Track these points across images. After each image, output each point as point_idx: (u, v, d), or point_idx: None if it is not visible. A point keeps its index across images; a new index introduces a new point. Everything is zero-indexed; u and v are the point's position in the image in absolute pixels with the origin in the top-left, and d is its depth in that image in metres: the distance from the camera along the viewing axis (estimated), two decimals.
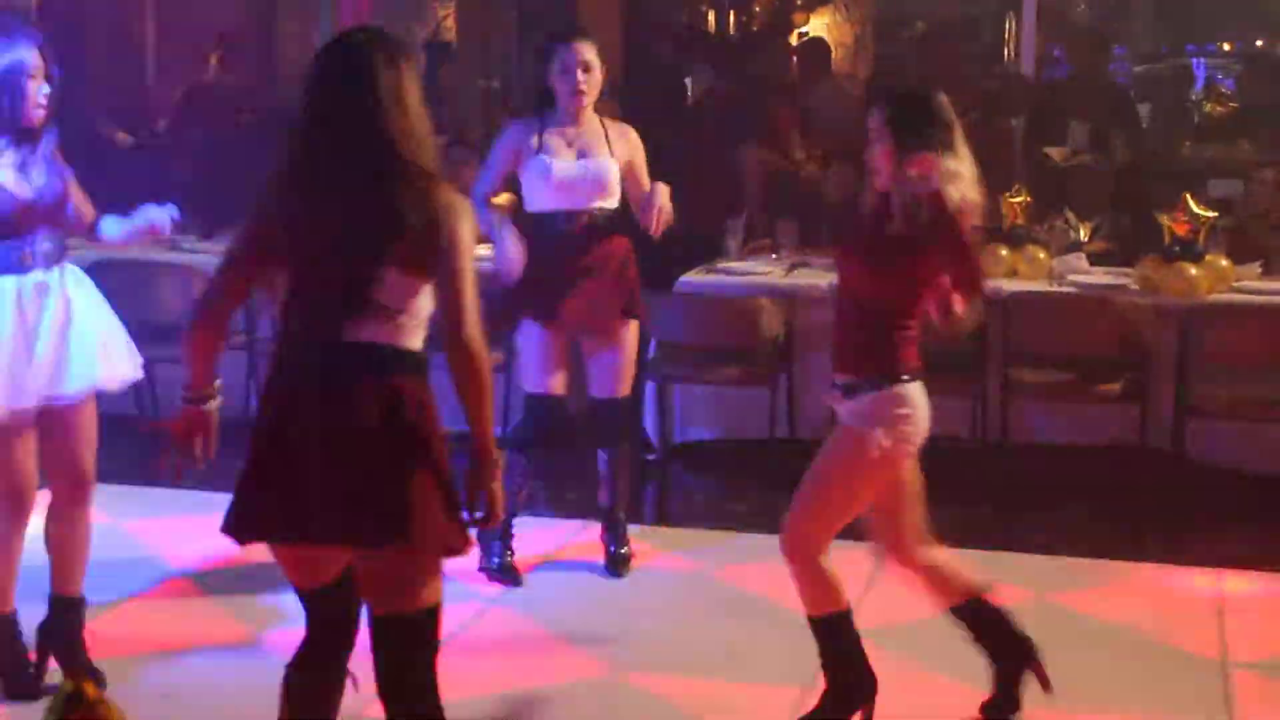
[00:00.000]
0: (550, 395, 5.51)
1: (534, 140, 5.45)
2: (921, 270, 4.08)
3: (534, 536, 5.87)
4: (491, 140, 5.80)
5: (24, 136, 4.34)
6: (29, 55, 4.29)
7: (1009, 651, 4.36)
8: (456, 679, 3.63)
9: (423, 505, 3.21)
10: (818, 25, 11.54)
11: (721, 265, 7.43)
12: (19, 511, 4.47)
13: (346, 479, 3.21)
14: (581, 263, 5.44)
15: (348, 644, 3.48)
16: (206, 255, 7.41)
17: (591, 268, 5.45)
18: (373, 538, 3.23)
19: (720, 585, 5.63)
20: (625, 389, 5.68)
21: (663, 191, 5.43)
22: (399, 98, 3.27)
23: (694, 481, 6.97)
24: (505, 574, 5.58)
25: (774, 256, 7.57)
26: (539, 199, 5.49)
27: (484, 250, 5.29)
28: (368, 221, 3.23)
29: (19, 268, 4.34)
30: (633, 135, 5.58)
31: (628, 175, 5.53)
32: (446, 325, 3.28)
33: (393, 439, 3.23)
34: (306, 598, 3.45)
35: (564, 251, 5.45)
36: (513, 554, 5.62)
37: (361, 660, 3.39)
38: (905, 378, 4.12)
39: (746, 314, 6.90)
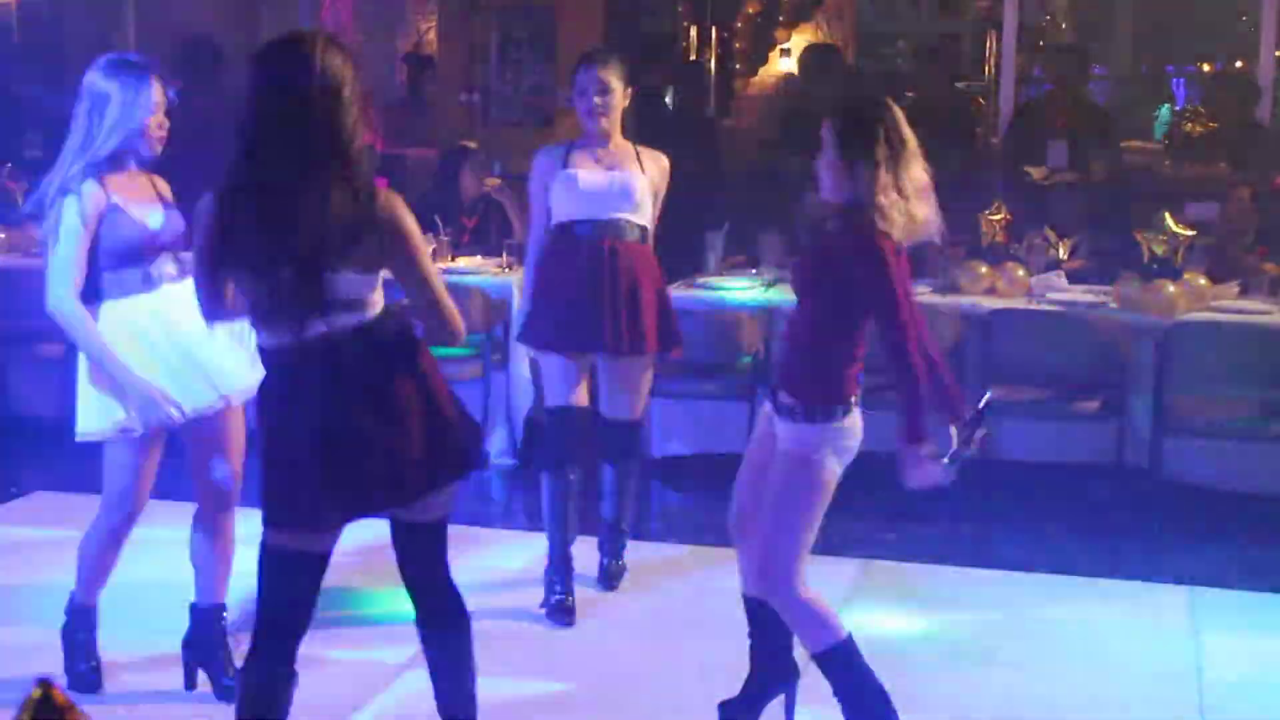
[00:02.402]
0: (574, 407, 5.44)
1: (561, 161, 5.42)
2: (842, 285, 3.97)
3: (518, 548, 5.86)
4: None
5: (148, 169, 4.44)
6: (154, 92, 4.34)
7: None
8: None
9: (470, 434, 3.61)
10: (800, 41, 11.56)
11: (701, 280, 7.43)
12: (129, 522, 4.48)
13: (398, 441, 3.45)
14: (605, 278, 5.33)
15: (299, 632, 3.57)
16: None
17: (618, 285, 5.34)
18: (453, 473, 3.60)
19: (697, 600, 5.63)
20: (639, 412, 5.63)
21: None
22: (339, 92, 3.35)
23: (672, 496, 6.95)
24: (562, 614, 5.40)
25: (754, 271, 7.58)
26: (565, 208, 5.40)
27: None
28: (316, 226, 3.34)
29: (147, 285, 4.36)
30: (664, 163, 5.50)
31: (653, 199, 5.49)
32: (432, 326, 3.52)
33: (419, 394, 3.49)
34: (297, 563, 3.52)
35: (589, 264, 5.35)
36: (572, 595, 5.45)
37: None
38: (851, 403, 4.02)
39: (725, 329, 6.90)
